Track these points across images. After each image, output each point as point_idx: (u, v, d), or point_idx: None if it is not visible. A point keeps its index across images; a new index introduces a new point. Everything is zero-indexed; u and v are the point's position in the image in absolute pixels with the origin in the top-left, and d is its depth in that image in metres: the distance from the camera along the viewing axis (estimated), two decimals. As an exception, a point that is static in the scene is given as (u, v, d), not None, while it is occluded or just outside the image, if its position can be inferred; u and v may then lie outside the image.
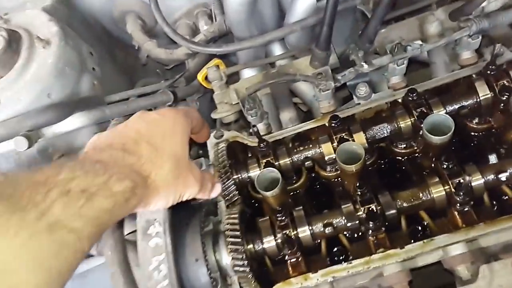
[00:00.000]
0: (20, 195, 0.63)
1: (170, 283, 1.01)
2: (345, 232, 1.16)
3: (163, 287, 1.02)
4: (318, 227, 1.13)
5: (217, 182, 1.08)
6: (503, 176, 1.08)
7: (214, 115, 1.40)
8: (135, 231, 1.23)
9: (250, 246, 1.14)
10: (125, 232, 1.23)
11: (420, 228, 1.19)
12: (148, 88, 1.52)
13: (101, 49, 1.79)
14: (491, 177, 1.08)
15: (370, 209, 1.08)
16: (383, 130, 1.23)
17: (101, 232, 0.73)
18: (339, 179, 1.28)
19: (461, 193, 1.03)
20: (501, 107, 1.16)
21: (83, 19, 1.80)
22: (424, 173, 1.19)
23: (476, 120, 1.24)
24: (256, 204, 1.35)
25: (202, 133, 1.13)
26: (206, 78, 1.47)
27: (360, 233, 1.14)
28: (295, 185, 1.32)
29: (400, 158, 1.28)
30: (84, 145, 1.49)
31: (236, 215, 1.14)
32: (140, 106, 1.44)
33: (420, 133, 1.12)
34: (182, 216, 1.16)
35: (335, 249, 1.22)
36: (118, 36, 1.95)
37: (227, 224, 1.12)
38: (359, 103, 1.30)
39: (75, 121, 1.31)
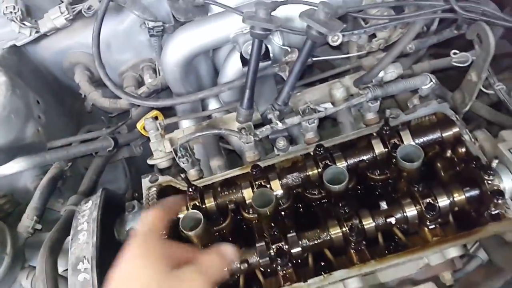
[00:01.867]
0: None
1: (95, 315, 1.13)
2: (261, 268, 1.33)
3: (89, 318, 1.14)
4: (235, 264, 1.29)
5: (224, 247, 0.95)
6: (391, 220, 1.30)
7: (149, 161, 1.56)
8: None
9: (175, 281, 1.28)
10: (60, 270, 1.34)
11: (326, 264, 1.37)
12: (89, 134, 1.67)
13: (50, 96, 1.94)
14: (380, 220, 1.29)
15: (278, 247, 1.25)
16: (296, 178, 1.43)
17: None
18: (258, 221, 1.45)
19: (353, 234, 1.23)
20: (394, 161, 1.40)
21: (34, 68, 1.95)
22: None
23: (376, 172, 1.47)
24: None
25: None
26: (144, 127, 1.64)
27: (272, 269, 1.31)
28: (222, 226, 1.47)
29: (312, 203, 1.48)
30: (25, 187, 1.62)
31: (162, 253, 1.28)
32: (81, 151, 1.58)
33: (325, 182, 1.33)
34: (111, 253, 1.28)
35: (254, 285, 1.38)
36: (67, 84, 2.09)
37: (153, 260, 1.26)
38: (278, 154, 1.51)
39: (16, 165, 1.43)
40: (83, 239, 1.24)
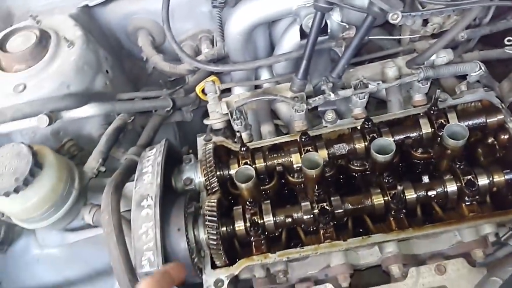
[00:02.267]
0: None
1: (155, 244, 1.25)
2: (302, 225, 1.43)
3: (148, 247, 1.26)
4: (281, 217, 1.39)
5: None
6: (432, 193, 1.37)
7: (206, 121, 1.67)
8: (126, 210, 1.48)
9: (224, 228, 1.39)
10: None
11: (363, 231, 1.45)
12: (152, 93, 1.79)
13: (113, 57, 2.07)
14: (422, 192, 1.37)
15: (323, 206, 1.35)
16: (342, 149, 1.50)
17: None
18: (302, 185, 1.55)
19: (395, 201, 1.31)
20: (439, 140, 1.47)
21: (100, 29, 2.09)
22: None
23: (420, 150, 1.54)
24: (232, 201, 1.60)
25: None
26: (202, 91, 1.75)
27: (313, 228, 1.41)
28: (267, 186, 1.57)
29: (354, 174, 1.56)
30: (90, 134, 1.76)
31: (215, 201, 1.39)
32: (145, 106, 1.71)
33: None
34: (170, 196, 1.41)
35: (293, 241, 1.48)
36: (129, 48, 2.23)
37: (207, 206, 1.37)
38: (326, 126, 1.59)
39: (89, 109, 1.57)
40: (148, 180, 1.37)
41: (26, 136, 1.63)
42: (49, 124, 1.47)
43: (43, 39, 1.65)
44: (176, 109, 1.92)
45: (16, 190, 1.32)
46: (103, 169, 1.59)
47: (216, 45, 2.00)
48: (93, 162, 1.58)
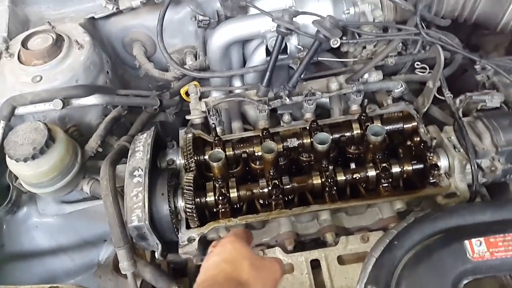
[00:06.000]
0: None
1: (143, 203, 1.56)
2: (259, 200, 1.77)
3: (138, 206, 1.56)
4: (243, 192, 1.73)
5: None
6: (356, 176, 1.74)
7: (188, 117, 2.01)
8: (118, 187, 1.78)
9: (198, 199, 1.72)
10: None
11: (306, 206, 1.81)
12: (143, 92, 2.13)
13: (111, 61, 2.40)
14: (349, 175, 1.74)
15: (275, 183, 1.70)
16: (293, 142, 1.87)
17: None
18: (262, 171, 1.89)
19: (329, 180, 1.69)
20: (365, 138, 1.85)
21: (101, 38, 2.42)
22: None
23: (352, 147, 1.92)
24: (204, 182, 1.93)
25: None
26: (186, 93, 2.10)
27: (267, 201, 1.75)
28: (235, 171, 1.90)
29: (303, 164, 1.93)
30: (90, 123, 2.07)
31: (192, 176, 1.72)
32: (137, 102, 2.04)
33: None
34: (156, 171, 1.73)
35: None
36: (122, 56, 2.55)
37: (185, 179, 1.70)
38: (283, 125, 1.96)
39: (93, 99, 1.87)
40: (139, 156, 1.68)
41: (37, 119, 1.92)
42: (62, 108, 1.76)
43: (58, 41, 1.97)
44: (162, 109, 2.25)
45: (33, 157, 1.61)
46: (100, 149, 1.90)
47: (199, 58, 2.36)
48: (93, 143, 1.88)
